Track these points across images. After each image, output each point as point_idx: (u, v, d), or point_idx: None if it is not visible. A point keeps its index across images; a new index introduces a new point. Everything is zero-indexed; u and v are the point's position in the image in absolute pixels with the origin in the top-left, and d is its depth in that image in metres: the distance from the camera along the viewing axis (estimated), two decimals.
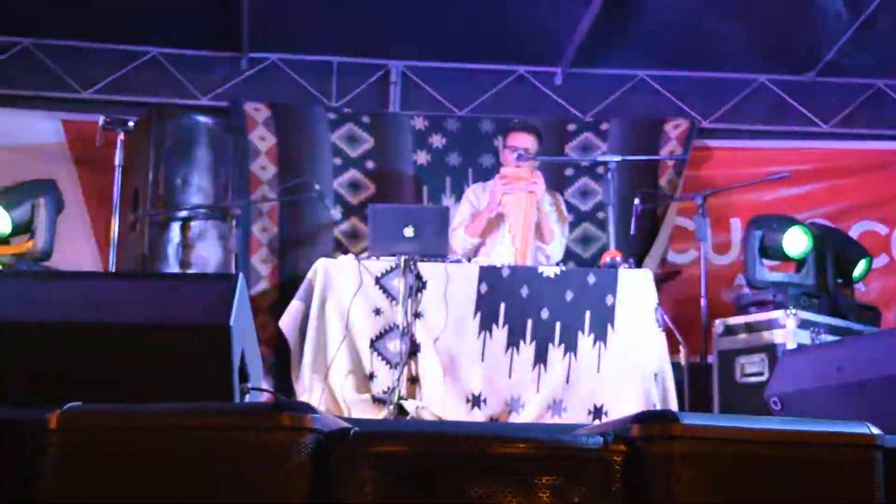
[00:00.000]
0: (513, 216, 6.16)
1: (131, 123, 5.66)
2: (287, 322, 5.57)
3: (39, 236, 5.86)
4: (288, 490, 2.37)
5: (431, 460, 2.41)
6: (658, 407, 5.37)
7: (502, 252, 6.15)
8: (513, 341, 5.45)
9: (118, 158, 5.67)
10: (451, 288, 5.47)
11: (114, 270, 5.62)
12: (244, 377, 3.29)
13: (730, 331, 6.13)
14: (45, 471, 2.49)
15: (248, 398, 3.37)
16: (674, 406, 5.45)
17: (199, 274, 6.02)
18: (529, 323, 5.47)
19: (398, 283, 5.44)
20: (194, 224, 6.52)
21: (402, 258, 5.47)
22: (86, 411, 2.54)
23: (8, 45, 7.51)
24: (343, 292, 5.47)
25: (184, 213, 6.48)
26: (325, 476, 2.40)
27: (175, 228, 6.51)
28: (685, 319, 6.24)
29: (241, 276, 3.29)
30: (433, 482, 2.40)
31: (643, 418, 2.51)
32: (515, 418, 5.35)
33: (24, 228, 5.93)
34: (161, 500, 2.41)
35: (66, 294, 3.31)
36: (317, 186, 6.54)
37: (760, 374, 5.84)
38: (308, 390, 5.36)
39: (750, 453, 2.46)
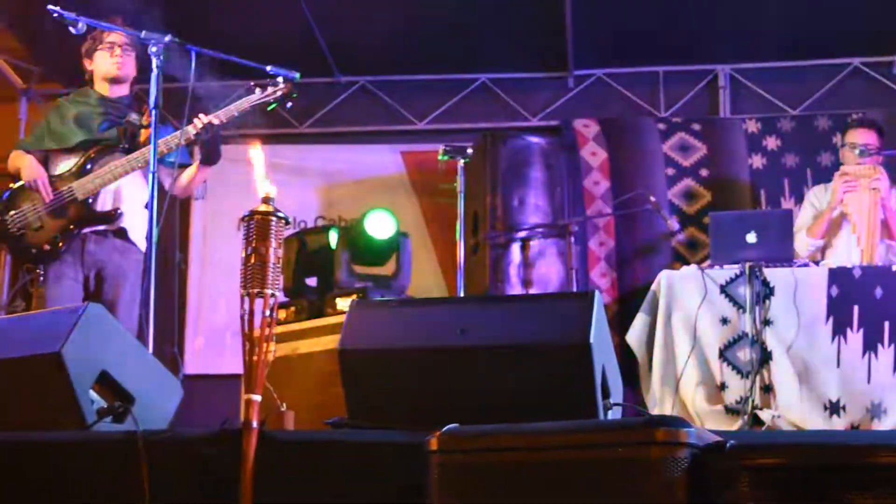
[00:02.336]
0: (856, 215, 5.90)
1: (470, 150, 5.81)
2: (634, 335, 5.58)
3: (403, 269, 6.10)
4: None
5: (814, 472, 2.35)
6: None
7: (848, 253, 5.91)
8: (870, 345, 5.24)
9: (460, 185, 5.83)
10: (799, 293, 5.31)
11: (463, 294, 5.78)
12: (606, 393, 3.32)
13: None
14: (429, 490, 2.59)
15: (610, 414, 3.39)
16: None
17: (555, 293, 6.12)
18: (886, 325, 5.25)
19: (744, 291, 5.35)
20: (533, 243, 6.66)
21: (747, 265, 5.37)
22: (464, 433, 2.63)
23: (348, 85, 7.95)
24: (688, 303, 5.43)
25: (523, 233, 6.63)
26: (703, 490, 2.39)
27: (515, 249, 6.67)
28: None
29: (597, 293, 3.32)
30: (817, 494, 2.34)
31: None
32: (878, 425, 5.14)
33: (384, 253, 6.19)
34: None
35: (431, 320, 3.44)
36: (652, 198, 6.52)
37: None
38: (659, 403, 5.36)
39: None
